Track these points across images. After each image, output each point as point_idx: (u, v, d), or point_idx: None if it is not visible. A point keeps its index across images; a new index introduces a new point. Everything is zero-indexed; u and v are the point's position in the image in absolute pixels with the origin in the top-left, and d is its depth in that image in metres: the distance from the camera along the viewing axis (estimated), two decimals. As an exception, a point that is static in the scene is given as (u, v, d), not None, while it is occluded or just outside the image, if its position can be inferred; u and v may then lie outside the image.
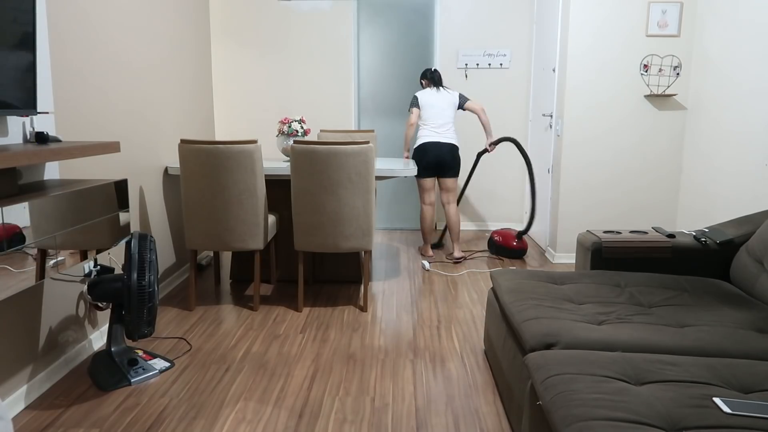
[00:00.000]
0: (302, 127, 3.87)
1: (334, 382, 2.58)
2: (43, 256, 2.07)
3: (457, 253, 4.52)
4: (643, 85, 4.26)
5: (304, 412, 2.33)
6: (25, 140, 2.37)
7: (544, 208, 4.89)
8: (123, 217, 2.61)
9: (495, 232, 4.74)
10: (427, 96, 4.45)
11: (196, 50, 4.45)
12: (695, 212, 4.15)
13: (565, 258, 4.49)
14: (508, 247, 4.61)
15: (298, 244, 3.41)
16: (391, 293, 3.80)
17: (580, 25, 4.20)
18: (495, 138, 4.56)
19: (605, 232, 2.86)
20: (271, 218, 3.59)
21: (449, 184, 4.51)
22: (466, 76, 5.38)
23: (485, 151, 4.67)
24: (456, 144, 4.45)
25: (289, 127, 3.86)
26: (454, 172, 4.49)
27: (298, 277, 3.45)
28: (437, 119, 4.40)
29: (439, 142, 4.39)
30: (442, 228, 5.52)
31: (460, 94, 4.48)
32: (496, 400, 2.42)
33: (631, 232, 2.86)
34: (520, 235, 4.62)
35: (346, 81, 5.33)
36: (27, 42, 2.15)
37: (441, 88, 4.48)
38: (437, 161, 4.41)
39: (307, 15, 5.24)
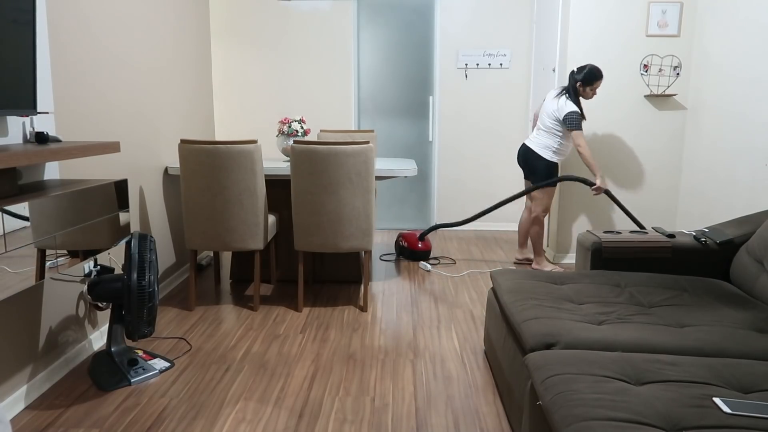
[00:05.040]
0: (302, 127, 3.87)
1: (334, 382, 2.58)
2: (42, 256, 2.07)
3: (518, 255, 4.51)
4: (643, 85, 4.26)
5: (304, 412, 2.33)
6: (25, 140, 2.37)
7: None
8: (123, 217, 2.61)
9: (401, 234, 4.65)
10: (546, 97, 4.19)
11: (196, 50, 4.44)
12: (695, 212, 4.15)
13: (565, 258, 4.49)
14: (413, 250, 4.56)
15: (298, 244, 3.41)
16: (391, 293, 3.80)
17: (580, 25, 4.20)
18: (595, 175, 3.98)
19: (605, 232, 2.86)
20: (271, 218, 3.59)
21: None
22: (466, 76, 5.39)
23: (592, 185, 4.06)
24: (532, 148, 4.09)
25: (289, 127, 3.86)
26: (528, 174, 4.19)
27: (298, 277, 3.45)
28: (538, 122, 4.18)
29: (523, 144, 4.22)
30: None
31: (569, 112, 3.87)
32: (496, 400, 2.42)
33: (631, 232, 2.86)
34: (423, 236, 4.57)
35: (346, 81, 5.33)
36: (27, 42, 2.14)
37: (560, 94, 3.99)
38: (518, 161, 4.29)
39: (307, 15, 5.24)
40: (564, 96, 3.96)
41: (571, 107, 3.89)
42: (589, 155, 3.88)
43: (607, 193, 3.99)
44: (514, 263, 4.51)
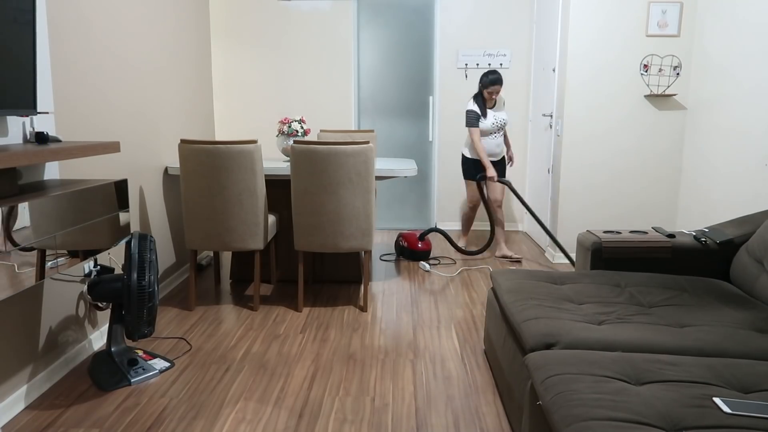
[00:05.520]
0: (302, 127, 3.87)
1: (334, 382, 2.58)
2: (43, 256, 2.07)
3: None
4: (643, 85, 4.26)
5: (304, 412, 2.33)
6: (25, 140, 2.37)
7: (544, 208, 4.89)
8: (123, 217, 2.61)
9: (401, 235, 4.67)
10: None
11: (196, 50, 4.44)
12: (695, 212, 4.15)
13: (566, 258, 4.48)
14: (413, 250, 4.57)
15: (298, 244, 3.41)
16: (391, 293, 3.80)
17: (580, 25, 4.19)
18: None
19: (605, 232, 2.86)
20: (271, 218, 3.59)
21: None
22: (466, 76, 5.39)
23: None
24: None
25: (289, 127, 3.86)
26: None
27: (298, 277, 3.45)
28: None
29: None
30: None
31: (467, 111, 4.43)
32: (496, 400, 2.42)
33: (631, 232, 2.86)
34: (423, 236, 4.61)
35: (346, 81, 5.33)
36: (27, 42, 2.14)
37: None
38: None
39: (307, 15, 5.24)
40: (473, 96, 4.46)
41: (471, 106, 4.40)
42: (479, 150, 4.34)
43: (506, 183, 4.43)
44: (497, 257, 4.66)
